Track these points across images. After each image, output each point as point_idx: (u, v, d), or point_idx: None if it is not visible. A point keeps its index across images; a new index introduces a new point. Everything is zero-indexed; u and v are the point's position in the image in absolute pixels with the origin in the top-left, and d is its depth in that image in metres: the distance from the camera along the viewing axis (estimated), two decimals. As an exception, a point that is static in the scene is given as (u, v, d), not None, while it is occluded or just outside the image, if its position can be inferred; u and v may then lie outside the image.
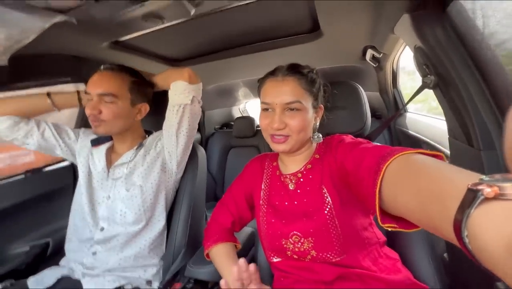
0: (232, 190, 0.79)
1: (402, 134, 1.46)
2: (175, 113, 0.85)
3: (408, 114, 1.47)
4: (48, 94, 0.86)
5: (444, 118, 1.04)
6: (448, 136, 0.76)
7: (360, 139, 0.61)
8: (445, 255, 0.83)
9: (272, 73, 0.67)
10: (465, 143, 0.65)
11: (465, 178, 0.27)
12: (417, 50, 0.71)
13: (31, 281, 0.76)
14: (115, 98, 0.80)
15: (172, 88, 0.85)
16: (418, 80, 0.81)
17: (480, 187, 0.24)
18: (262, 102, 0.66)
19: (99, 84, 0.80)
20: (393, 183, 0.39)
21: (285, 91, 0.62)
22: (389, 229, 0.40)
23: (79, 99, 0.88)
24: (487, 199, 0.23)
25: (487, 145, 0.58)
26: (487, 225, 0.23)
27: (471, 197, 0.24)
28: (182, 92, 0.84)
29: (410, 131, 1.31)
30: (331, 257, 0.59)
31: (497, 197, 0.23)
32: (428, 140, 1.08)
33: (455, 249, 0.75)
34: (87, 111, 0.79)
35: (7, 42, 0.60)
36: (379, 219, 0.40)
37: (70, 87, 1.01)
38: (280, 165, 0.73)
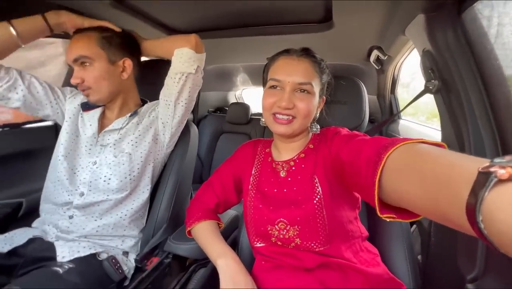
0: (220, 171, 0.77)
1: None
2: (177, 82, 0.81)
3: (401, 121, 1.50)
4: (8, 21, 0.72)
5: (436, 128, 1.06)
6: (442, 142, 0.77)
7: (356, 132, 0.61)
8: (419, 257, 0.86)
9: (286, 52, 0.65)
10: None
11: (474, 162, 0.26)
12: (425, 54, 0.71)
13: (0, 238, 0.72)
14: (89, 59, 0.76)
15: (177, 55, 0.81)
16: (412, 93, 0.82)
17: (492, 169, 0.23)
18: (270, 79, 0.63)
19: (70, 51, 0.76)
20: (395, 172, 0.38)
21: (300, 70, 0.61)
22: (388, 220, 0.40)
23: (49, 25, 0.76)
24: (500, 181, 0.22)
25: (481, 156, 0.59)
26: (504, 207, 0.22)
27: (484, 180, 0.23)
28: (187, 60, 0.80)
29: (406, 137, 1.33)
30: (314, 247, 0.60)
31: (511, 178, 0.22)
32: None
33: (429, 252, 0.78)
34: (72, 82, 0.76)
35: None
36: (377, 209, 0.40)
37: (61, 42, 0.95)
38: (273, 152, 0.72)
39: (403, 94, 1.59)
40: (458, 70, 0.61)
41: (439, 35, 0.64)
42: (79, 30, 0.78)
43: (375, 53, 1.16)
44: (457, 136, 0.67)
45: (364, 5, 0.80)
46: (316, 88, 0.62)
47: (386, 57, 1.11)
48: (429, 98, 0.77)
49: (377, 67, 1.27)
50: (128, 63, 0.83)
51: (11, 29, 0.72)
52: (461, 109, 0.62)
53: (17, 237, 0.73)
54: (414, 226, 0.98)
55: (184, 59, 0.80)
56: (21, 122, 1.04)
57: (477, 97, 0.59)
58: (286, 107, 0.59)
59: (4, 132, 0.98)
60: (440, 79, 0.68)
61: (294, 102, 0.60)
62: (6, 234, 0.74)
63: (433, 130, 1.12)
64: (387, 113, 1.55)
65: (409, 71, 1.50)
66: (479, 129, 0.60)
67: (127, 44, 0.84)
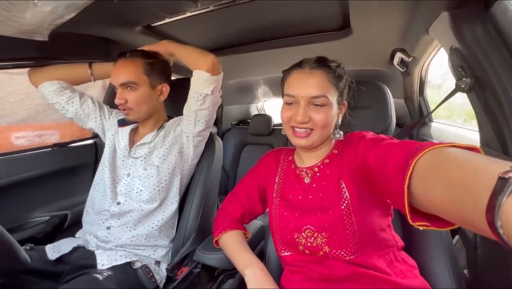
0: (244, 182, 0.78)
1: None
2: (195, 100, 0.86)
3: (433, 124, 1.40)
4: (90, 64, 0.95)
5: (473, 129, 0.98)
6: (479, 144, 0.72)
7: (382, 135, 0.59)
8: (465, 271, 0.78)
9: (299, 65, 0.65)
10: (499, 152, 0.61)
11: (499, 167, 0.26)
12: (453, 52, 0.68)
13: (49, 247, 0.79)
14: (135, 84, 0.85)
15: (195, 76, 0.86)
16: (443, 96, 0.78)
17: (511, 174, 0.23)
18: (286, 95, 0.64)
19: (117, 75, 0.85)
20: (424, 177, 0.37)
21: (312, 84, 0.60)
22: (421, 228, 0.38)
23: None
24: None
25: None
26: None
27: (502, 185, 0.23)
28: (203, 82, 0.85)
29: (435, 142, 1.25)
30: (344, 255, 0.57)
31: None
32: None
33: (476, 266, 0.71)
34: (116, 102, 0.86)
35: (52, 15, 0.63)
36: (408, 217, 0.38)
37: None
38: (296, 159, 0.72)
39: (433, 97, 1.50)
40: (492, 66, 0.58)
41: (467, 31, 0.61)
42: (122, 55, 0.88)
43: (398, 55, 1.13)
44: (497, 136, 0.61)
45: (382, 9, 0.79)
46: (333, 99, 0.61)
47: (410, 58, 1.07)
48: (464, 98, 0.73)
49: (402, 70, 1.22)
50: (166, 88, 0.93)
51: (89, 70, 0.95)
52: (500, 107, 0.58)
53: (64, 246, 0.80)
54: (457, 237, 0.90)
55: (201, 81, 0.85)
56: (67, 142, 1.16)
57: (517, 92, 0.55)
58: (302, 122, 0.60)
59: (53, 151, 1.11)
60: (473, 77, 0.64)
61: (310, 115, 0.60)
62: (55, 243, 0.82)
63: (469, 132, 1.03)
64: (417, 117, 1.47)
65: (439, 72, 1.42)
66: None
67: (166, 71, 0.93)
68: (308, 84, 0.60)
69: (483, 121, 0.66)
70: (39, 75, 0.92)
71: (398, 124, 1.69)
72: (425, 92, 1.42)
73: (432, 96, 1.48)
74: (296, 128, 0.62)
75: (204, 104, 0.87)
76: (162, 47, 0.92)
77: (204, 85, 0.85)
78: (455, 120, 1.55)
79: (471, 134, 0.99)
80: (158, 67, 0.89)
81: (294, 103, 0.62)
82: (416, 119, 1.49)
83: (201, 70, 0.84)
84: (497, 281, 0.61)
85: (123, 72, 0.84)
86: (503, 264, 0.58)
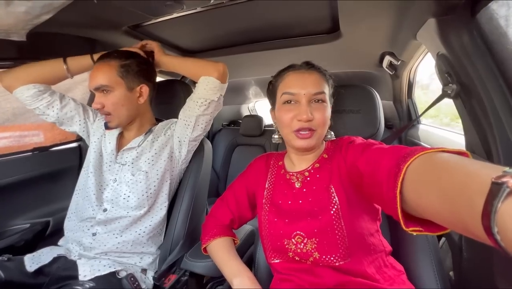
0: (234, 187, 0.77)
1: (413, 146, 1.42)
2: (199, 106, 0.85)
3: (421, 126, 1.43)
4: (64, 59, 0.88)
5: (459, 132, 1.00)
6: (465, 150, 0.73)
7: (371, 140, 0.59)
8: (451, 273, 0.79)
9: (292, 67, 0.66)
10: (484, 159, 0.62)
11: (491, 172, 0.26)
12: (439, 58, 0.68)
13: (28, 257, 0.75)
14: (109, 88, 0.81)
15: (203, 82, 0.84)
16: (431, 95, 0.79)
17: (504, 179, 0.23)
18: (284, 94, 0.62)
19: (92, 79, 0.81)
20: (416, 182, 0.36)
21: (312, 81, 0.61)
22: (414, 234, 0.38)
23: (94, 62, 0.87)
24: None
25: (510, 162, 0.55)
26: None
27: (497, 190, 0.23)
28: (212, 88, 0.84)
29: (422, 143, 1.27)
30: (334, 260, 0.57)
31: None
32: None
33: (461, 268, 0.72)
34: (93, 107, 0.82)
35: (27, 16, 0.60)
36: (401, 223, 0.38)
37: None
38: (286, 164, 0.71)
39: (421, 98, 1.53)
40: (478, 73, 0.58)
41: (454, 38, 0.61)
42: (101, 58, 0.84)
43: (387, 59, 1.13)
44: (482, 142, 0.62)
45: (370, 13, 0.79)
46: (328, 97, 0.63)
47: (399, 62, 1.08)
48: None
49: (391, 73, 1.23)
50: (145, 89, 0.88)
51: (64, 66, 0.88)
52: (484, 114, 0.59)
53: (44, 256, 0.77)
54: (443, 239, 0.91)
55: (210, 87, 0.84)
56: (49, 146, 1.11)
57: (501, 100, 0.56)
58: (307, 119, 0.59)
59: (34, 155, 1.06)
60: (458, 83, 0.64)
61: (312, 113, 0.60)
62: (34, 253, 0.78)
63: (455, 135, 1.05)
64: (405, 119, 1.49)
65: (428, 72, 1.44)
66: (506, 134, 0.55)
67: (144, 71, 0.88)
68: (308, 82, 0.61)
69: (469, 127, 0.67)
70: (10, 78, 0.85)
71: (387, 126, 1.71)
72: (413, 94, 1.44)
73: (420, 97, 1.51)
74: (301, 131, 0.60)
75: (208, 110, 0.86)
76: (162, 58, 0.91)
77: (212, 91, 0.84)
78: (442, 119, 1.58)
79: (458, 137, 1.01)
80: (133, 68, 0.84)
81: (294, 103, 0.62)
82: (404, 121, 1.51)
83: (211, 77, 0.83)
84: (482, 283, 0.63)
85: (97, 76, 0.80)
86: (488, 266, 0.58)
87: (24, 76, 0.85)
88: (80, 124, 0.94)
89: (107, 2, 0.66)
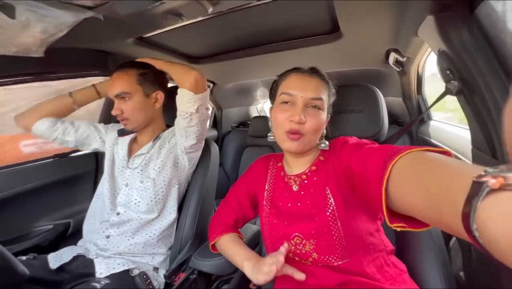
0: (235, 188, 0.79)
1: (424, 143, 1.38)
2: (182, 118, 0.88)
3: (432, 122, 1.38)
4: (70, 93, 0.97)
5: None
6: (471, 147, 0.71)
7: (364, 140, 0.60)
8: (461, 274, 0.77)
9: (298, 69, 0.66)
10: (489, 155, 0.61)
11: (473, 171, 0.26)
12: (441, 54, 0.67)
13: (51, 256, 0.82)
14: (129, 94, 0.87)
15: (179, 95, 0.87)
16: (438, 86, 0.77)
17: (484, 179, 0.23)
18: (283, 93, 0.63)
19: (112, 88, 0.87)
20: (401, 180, 0.37)
21: (312, 86, 0.62)
22: (398, 229, 0.39)
23: (98, 92, 0.98)
24: (493, 190, 0.23)
25: None
26: (495, 217, 0.22)
27: (477, 189, 0.24)
28: (188, 101, 0.85)
29: (433, 140, 1.23)
30: (333, 261, 0.58)
31: (503, 188, 0.22)
32: (451, 150, 1.01)
33: (471, 268, 0.70)
34: (113, 113, 0.88)
35: (43, 35, 0.66)
36: (386, 219, 0.39)
37: (99, 79, 1.09)
38: (285, 166, 0.73)
39: (439, 91, 1.46)
40: (479, 69, 0.57)
41: (453, 34, 0.60)
42: (118, 68, 0.90)
43: (393, 55, 1.11)
44: (486, 140, 0.61)
45: (368, 12, 0.78)
46: (326, 105, 0.63)
47: (405, 58, 1.06)
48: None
49: (397, 69, 1.21)
50: (160, 95, 0.94)
51: (70, 99, 0.97)
52: (487, 110, 0.57)
53: (65, 254, 0.83)
54: (453, 239, 0.89)
55: (185, 100, 0.85)
56: (68, 152, 1.19)
57: (503, 96, 0.54)
58: (299, 122, 0.59)
59: (55, 161, 1.14)
60: (460, 80, 0.63)
61: (305, 117, 0.60)
62: (57, 252, 0.85)
63: (466, 132, 1.01)
64: (416, 115, 1.45)
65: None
66: None
67: (159, 79, 0.94)
68: (308, 86, 0.62)
69: (473, 124, 0.66)
70: (25, 118, 0.94)
71: (398, 123, 1.67)
72: (423, 89, 1.40)
73: (438, 92, 1.44)
74: (290, 133, 0.61)
75: (192, 122, 0.88)
76: (153, 62, 0.94)
77: (188, 104, 0.85)
78: (462, 113, 1.50)
79: (467, 133, 0.98)
80: (150, 76, 0.91)
81: (291, 104, 0.62)
82: (414, 117, 1.47)
83: (185, 89, 0.85)
84: (490, 284, 0.61)
85: (117, 84, 0.87)
86: (495, 267, 0.57)
87: (37, 113, 0.94)
88: (97, 140, 1.01)
89: (112, 17, 0.71)
